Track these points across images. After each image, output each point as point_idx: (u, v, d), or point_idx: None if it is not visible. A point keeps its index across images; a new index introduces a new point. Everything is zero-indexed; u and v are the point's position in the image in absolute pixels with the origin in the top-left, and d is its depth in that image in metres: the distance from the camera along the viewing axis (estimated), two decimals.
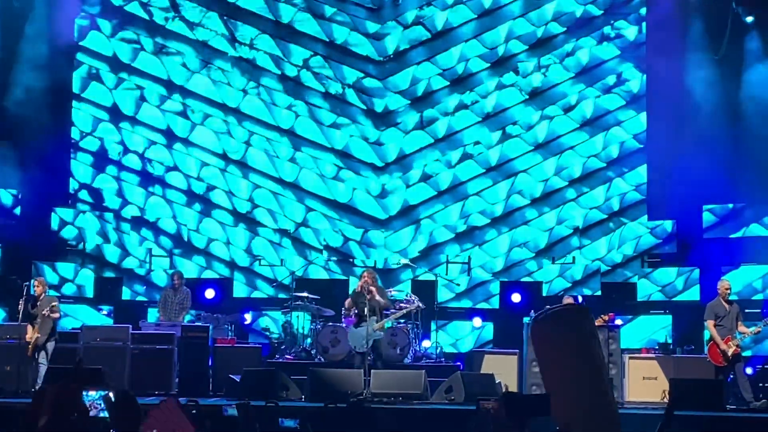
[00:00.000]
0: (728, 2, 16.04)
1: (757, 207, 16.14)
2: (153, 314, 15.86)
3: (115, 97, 17.51)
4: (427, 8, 17.54)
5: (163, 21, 17.58)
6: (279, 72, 17.60)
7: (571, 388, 8.01)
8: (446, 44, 17.55)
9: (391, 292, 15.20)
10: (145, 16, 17.54)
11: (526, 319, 15.26)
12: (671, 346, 14.74)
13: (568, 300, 14.12)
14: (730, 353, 13.17)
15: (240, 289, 17.23)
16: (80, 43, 17.29)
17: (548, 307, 9.45)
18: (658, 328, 16.23)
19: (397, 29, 17.55)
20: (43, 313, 13.34)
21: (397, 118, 17.59)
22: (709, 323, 13.36)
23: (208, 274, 17.22)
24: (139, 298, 16.95)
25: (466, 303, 17.08)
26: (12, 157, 15.92)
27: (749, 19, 15.90)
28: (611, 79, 17.33)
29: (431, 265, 17.11)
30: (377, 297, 13.82)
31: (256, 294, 17.23)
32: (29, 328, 13.40)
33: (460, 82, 17.51)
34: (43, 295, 13.71)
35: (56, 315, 13.55)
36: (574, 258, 17.10)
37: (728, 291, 13.51)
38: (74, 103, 17.34)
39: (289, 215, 17.54)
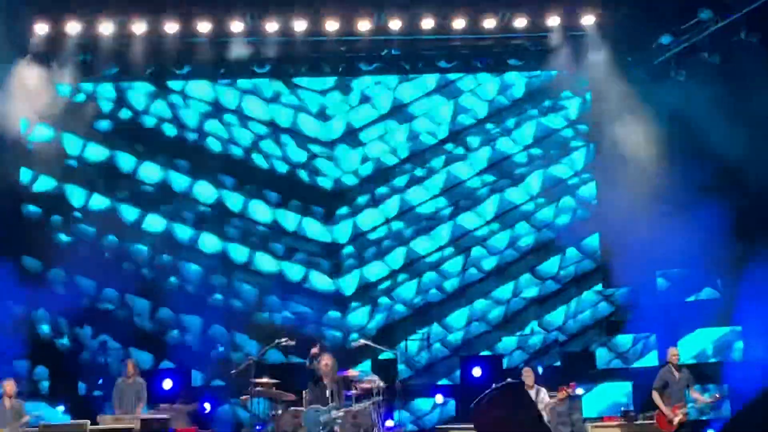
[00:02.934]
0: (666, 68, 16.93)
1: (709, 270, 16.81)
2: (110, 408, 16.12)
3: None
4: (375, 86, 18.28)
5: (110, 110, 18.13)
6: (227, 155, 18.18)
7: None
8: (395, 121, 18.28)
9: (351, 372, 15.58)
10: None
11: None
12: (633, 413, 15.25)
13: (527, 372, 14.61)
14: (676, 421, 13.65)
15: (198, 378, 17.59)
16: None
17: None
18: (619, 395, 16.83)
19: (345, 109, 18.26)
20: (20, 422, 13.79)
21: (349, 197, 18.22)
22: (654, 393, 13.86)
23: (165, 365, 17.55)
24: (96, 392, 17.23)
25: (427, 380, 17.58)
26: None
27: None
28: (560, 149, 18.16)
29: (390, 343, 17.60)
30: (336, 379, 14.26)
31: (214, 383, 17.60)
32: None
33: (411, 158, 18.23)
34: (13, 398, 14.16)
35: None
36: (532, 329, 17.73)
37: (676, 358, 14.06)
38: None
39: (243, 298, 17.98)
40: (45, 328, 17.56)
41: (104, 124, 18.09)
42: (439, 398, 17.20)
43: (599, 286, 17.78)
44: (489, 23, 16.46)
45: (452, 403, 17.22)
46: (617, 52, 16.93)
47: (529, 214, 18.07)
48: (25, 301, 17.32)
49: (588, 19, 16.51)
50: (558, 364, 17.23)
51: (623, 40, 16.83)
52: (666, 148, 16.57)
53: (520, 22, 16.49)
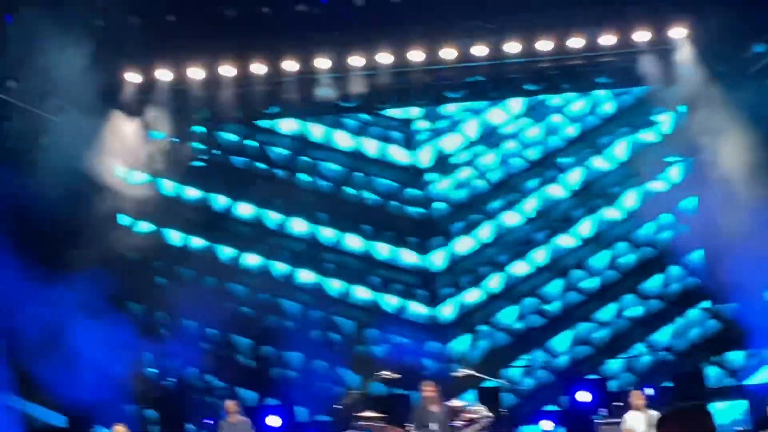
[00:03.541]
0: (762, 77, 16.64)
1: None
2: None
3: None
4: (463, 113, 18.30)
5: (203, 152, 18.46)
6: (319, 189, 18.35)
7: None
8: (485, 146, 18.27)
9: (456, 402, 15.54)
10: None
11: (597, 418, 15.61)
12: None
13: (637, 395, 14.42)
14: None
15: (301, 414, 17.72)
16: None
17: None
18: (734, 414, 16.51)
19: (433, 137, 18.31)
20: None
21: (442, 225, 18.24)
22: None
23: (270, 401, 17.71)
24: None
25: (533, 406, 17.45)
26: None
27: None
28: (656, 165, 17.94)
29: (493, 371, 17.50)
30: (440, 410, 14.22)
31: (319, 417, 17.69)
32: None
33: (503, 182, 18.20)
34: None
35: None
36: (639, 350, 17.51)
37: None
38: None
39: (342, 331, 18.09)
40: (152, 372, 17.87)
41: (198, 166, 18.40)
42: (547, 424, 17.02)
43: (706, 303, 17.48)
44: (575, 42, 16.36)
45: (560, 429, 17.04)
46: (710, 63, 16.64)
47: (628, 233, 17.88)
48: (132, 345, 17.65)
49: (678, 32, 16.28)
50: (669, 384, 16.95)
51: (715, 50, 16.54)
52: (765, 158, 16.25)
53: (608, 39, 16.34)
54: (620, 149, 18.08)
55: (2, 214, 14.91)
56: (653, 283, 17.74)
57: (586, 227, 17.98)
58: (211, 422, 17.17)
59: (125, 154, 17.27)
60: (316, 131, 18.44)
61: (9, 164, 15.44)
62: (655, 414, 14.06)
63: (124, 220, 17.99)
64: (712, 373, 17.15)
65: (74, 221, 16.16)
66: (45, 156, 15.54)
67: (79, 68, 14.93)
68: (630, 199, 17.95)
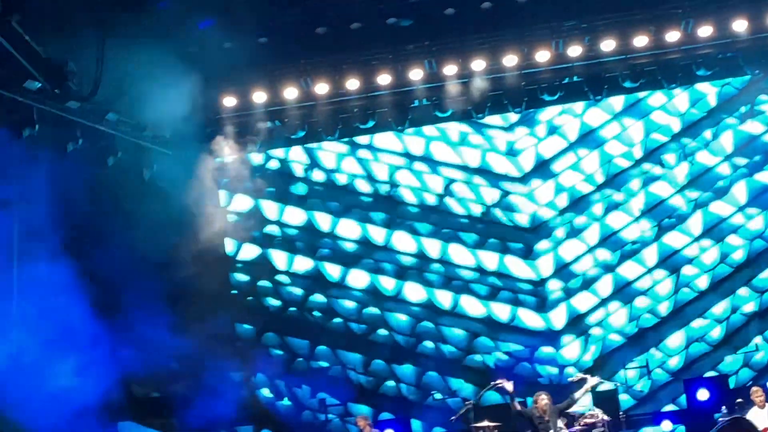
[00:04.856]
0: None
1: None
2: None
3: None
4: (561, 115, 18.35)
5: (302, 173, 18.86)
6: (421, 202, 18.57)
7: None
8: (586, 148, 18.27)
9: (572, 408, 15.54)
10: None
11: (717, 416, 15.45)
12: None
13: (757, 391, 14.25)
14: None
15: (418, 427, 17.90)
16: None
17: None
18: None
19: (533, 142, 18.39)
20: None
21: (547, 230, 18.28)
22: None
23: (384, 416, 17.95)
24: None
25: (651, 408, 17.34)
26: None
27: None
28: (763, 155, 17.73)
29: (608, 374, 17.45)
30: (554, 419, 14.26)
31: (435, 430, 17.84)
32: None
33: (606, 183, 18.17)
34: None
35: None
36: (756, 345, 17.26)
37: None
38: None
39: (453, 342, 18.23)
40: (265, 392, 18.28)
41: (299, 187, 18.80)
42: (666, 425, 16.90)
43: None
44: (672, 36, 16.30)
45: (681, 429, 16.89)
46: None
47: (738, 226, 17.72)
48: (244, 367, 18.09)
49: None
50: None
51: None
52: None
53: (705, 31, 16.23)
54: (726, 141, 17.90)
55: (134, 264, 15.37)
56: (767, 276, 17.48)
57: (694, 223, 17.84)
58: None
59: (227, 178, 17.74)
60: (415, 144, 18.68)
61: (122, 202, 15.86)
62: None
63: (230, 244, 18.47)
64: None
65: (190, 258, 16.56)
66: (155, 191, 15.99)
67: (178, 96, 15.40)
68: (739, 191, 17.74)
